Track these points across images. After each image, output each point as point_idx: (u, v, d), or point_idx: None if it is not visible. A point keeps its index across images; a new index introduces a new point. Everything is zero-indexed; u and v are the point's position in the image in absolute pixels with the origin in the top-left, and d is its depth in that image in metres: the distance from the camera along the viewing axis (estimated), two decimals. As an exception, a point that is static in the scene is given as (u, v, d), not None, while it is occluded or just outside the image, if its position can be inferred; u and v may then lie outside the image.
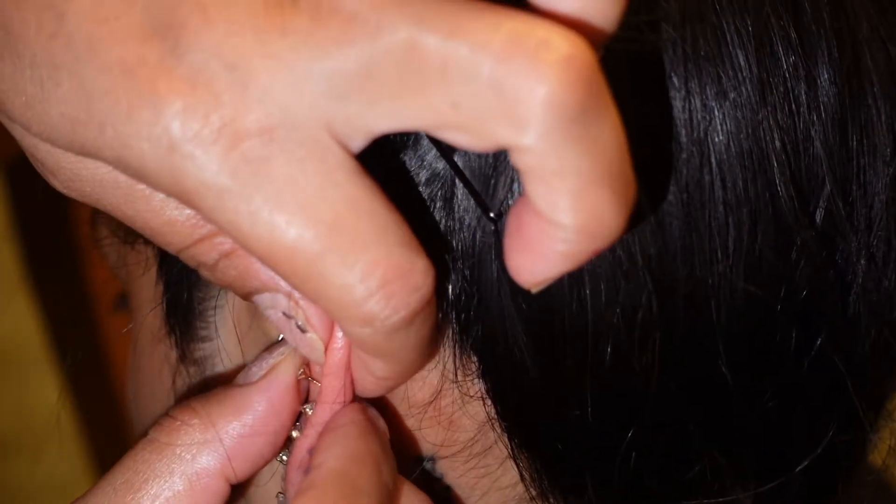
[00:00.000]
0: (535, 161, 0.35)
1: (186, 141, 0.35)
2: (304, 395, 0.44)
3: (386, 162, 0.42)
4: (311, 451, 0.43)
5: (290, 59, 0.35)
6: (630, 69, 0.41)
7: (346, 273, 0.36)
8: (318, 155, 0.36)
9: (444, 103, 0.35)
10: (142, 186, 0.39)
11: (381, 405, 0.45)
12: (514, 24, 0.34)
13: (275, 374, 0.43)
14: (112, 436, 1.51)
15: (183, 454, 0.42)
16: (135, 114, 0.36)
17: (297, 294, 0.40)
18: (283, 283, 0.40)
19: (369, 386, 0.41)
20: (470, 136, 0.35)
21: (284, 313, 0.42)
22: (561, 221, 0.35)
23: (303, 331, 0.42)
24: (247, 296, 0.41)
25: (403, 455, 0.46)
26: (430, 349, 0.40)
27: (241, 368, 0.45)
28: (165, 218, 0.40)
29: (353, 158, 0.36)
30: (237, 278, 0.41)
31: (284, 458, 0.44)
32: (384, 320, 0.37)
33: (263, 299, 0.42)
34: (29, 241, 1.48)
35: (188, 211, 0.39)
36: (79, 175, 0.39)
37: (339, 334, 0.42)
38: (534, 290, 0.37)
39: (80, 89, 0.36)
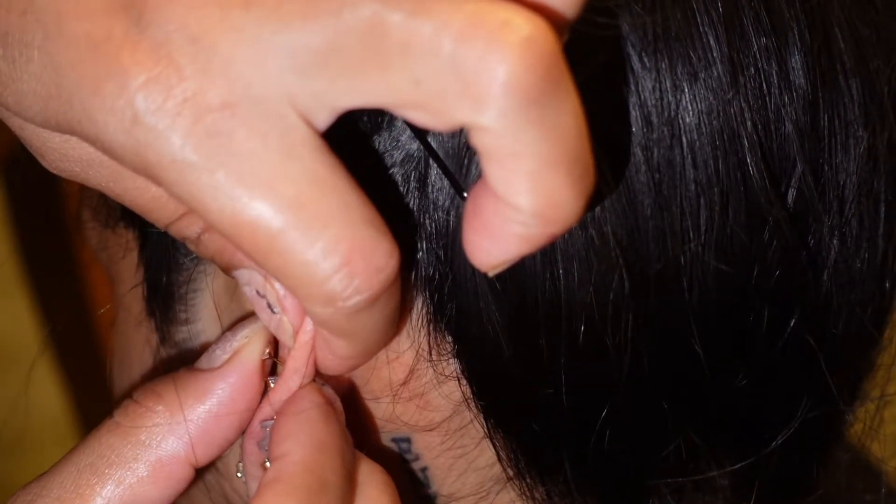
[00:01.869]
0: (493, 141, 0.35)
1: (149, 114, 0.35)
2: (269, 371, 0.44)
3: (359, 142, 0.43)
4: (266, 426, 0.43)
5: (254, 33, 0.35)
6: (596, 51, 0.41)
7: (308, 250, 0.36)
8: (280, 130, 0.36)
9: (406, 81, 0.35)
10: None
11: (349, 386, 0.45)
12: (476, 4, 0.34)
13: (239, 359, 0.43)
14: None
15: (147, 440, 0.42)
16: (100, 87, 0.36)
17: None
18: None
19: (331, 365, 0.41)
20: (430, 115, 0.35)
21: (258, 291, 0.42)
22: (517, 204, 0.35)
23: (273, 311, 0.42)
24: (227, 270, 0.42)
25: (377, 436, 0.46)
26: (392, 329, 0.40)
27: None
28: (150, 195, 0.40)
29: (318, 135, 0.36)
30: (217, 252, 0.41)
31: None
32: (346, 300, 0.37)
33: (241, 275, 0.42)
34: (27, 238, 1.49)
35: None
36: (66, 155, 0.40)
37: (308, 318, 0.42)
38: (490, 274, 0.37)
39: (50, 64, 0.37)
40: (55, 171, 0.41)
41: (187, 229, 0.41)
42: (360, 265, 0.36)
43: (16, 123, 0.40)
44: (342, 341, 0.39)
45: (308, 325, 0.42)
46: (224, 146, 0.35)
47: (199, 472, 0.43)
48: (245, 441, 0.44)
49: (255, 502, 0.40)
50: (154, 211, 0.41)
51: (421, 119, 0.35)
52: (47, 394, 1.56)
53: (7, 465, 1.65)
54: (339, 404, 0.43)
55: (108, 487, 0.42)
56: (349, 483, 0.41)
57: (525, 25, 0.34)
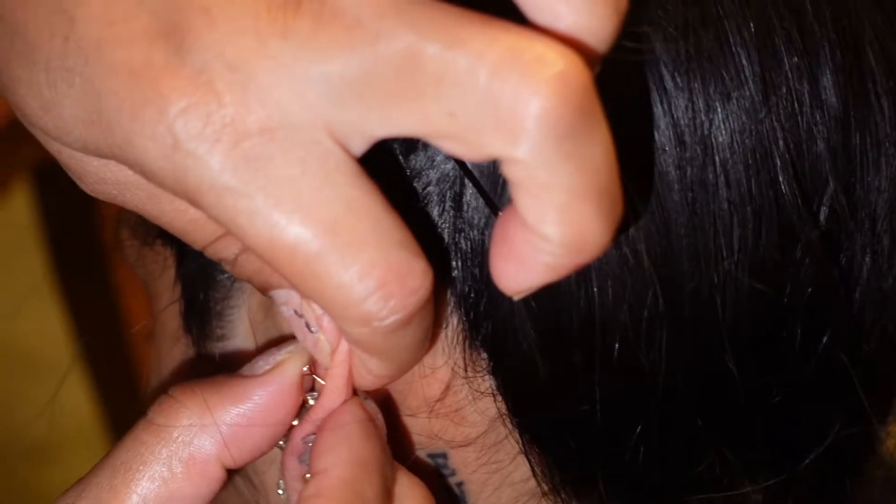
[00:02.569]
0: (525, 173, 0.35)
1: (189, 139, 0.36)
2: (308, 387, 0.44)
3: (394, 162, 0.43)
4: (307, 442, 0.43)
5: (291, 62, 0.36)
6: (628, 75, 0.41)
7: (344, 273, 0.37)
8: (317, 156, 0.36)
9: (441, 112, 0.35)
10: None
11: (387, 401, 0.46)
12: (511, 38, 0.35)
13: (279, 370, 0.44)
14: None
15: (180, 437, 0.43)
16: (139, 113, 0.36)
17: None
18: None
19: (365, 382, 0.42)
20: (463, 146, 0.36)
21: (296, 311, 0.43)
22: (546, 234, 0.36)
23: (311, 330, 0.43)
24: (264, 290, 0.42)
25: (414, 451, 0.47)
26: (425, 347, 0.41)
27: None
28: (188, 217, 0.41)
29: (354, 160, 0.37)
30: (255, 273, 0.42)
31: (282, 443, 0.45)
32: (382, 321, 0.37)
33: (279, 295, 0.42)
34: (57, 246, 1.50)
35: None
36: (103, 178, 0.40)
37: None
38: (515, 298, 0.38)
39: (90, 90, 0.37)
40: (92, 194, 0.41)
41: (224, 251, 0.42)
42: (395, 287, 0.37)
43: (54, 147, 0.40)
44: (377, 360, 0.40)
45: (345, 344, 0.42)
46: (262, 171, 0.36)
47: (232, 476, 0.44)
48: (286, 456, 0.44)
49: None
50: (191, 233, 0.41)
51: (454, 149, 0.36)
52: (78, 401, 1.57)
53: (38, 471, 1.67)
54: (380, 419, 0.44)
55: (143, 484, 0.42)
56: (388, 498, 0.42)
57: (559, 60, 0.35)
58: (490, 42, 0.35)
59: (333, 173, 0.36)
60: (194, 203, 0.37)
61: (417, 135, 0.36)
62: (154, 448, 0.43)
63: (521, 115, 0.34)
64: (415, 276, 0.37)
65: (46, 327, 1.60)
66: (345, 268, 0.37)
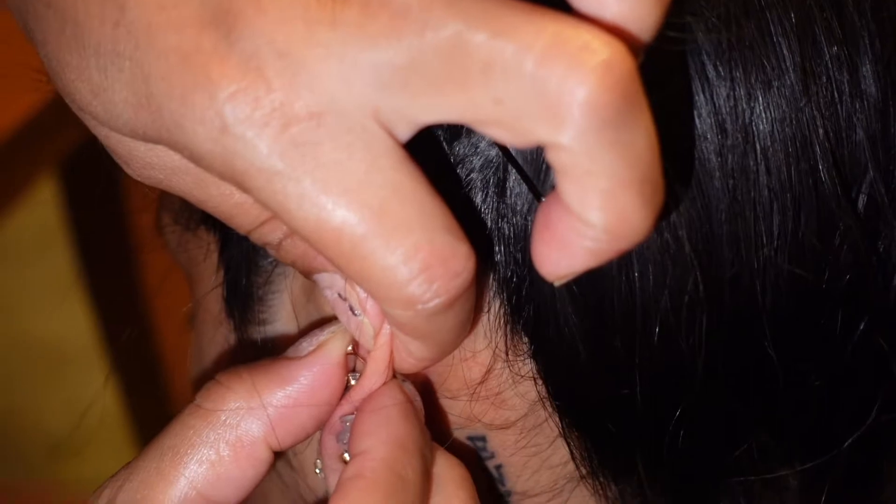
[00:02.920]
0: (570, 160, 0.36)
1: (238, 123, 0.37)
2: (350, 368, 0.45)
3: (439, 149, 0.44)
4: (346, 422, 0.44)
5: (340, 50, 0.36)
6: (670, 64, 0.42)
7: (389, 256, 0.37)
8: (364, 141, 0.37)
9: (487, 99, 0.36)
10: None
11: (426, 384, 0.46)
12: (557, 26, 0.35)
13: (323, 351, 0.44)
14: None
15: (228, 420, 0.43)
16: (189, 97, 0.37)
17: None
18: None
19: (407, 365, 0.43)
20: (509, 132, 0.36)
21: (340, 294, 0.43)
22: (589, 220, 0.36)
23: (355, 313, 0.43)
24: (308, 274, 0.43)
25: (452, 433, 0.47)
26: (466, 331, 0.42)
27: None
28: (234, 201, 0.41)
29: (400, 146, 0.38)
30: (299, 257, 0.42)
31: None
32: (425, 304, 0.38)
33: (323, 279, 0.43)
34: (84, 243, 1.51)
35: None
36: (150, 163, 0.41)
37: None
38: (556, 284, 0.39)
39: (140, 75, 0.38)
40: (139, 178, 0.42)
41: (269, 235, 0.43)
42: (439, 270, 0.38)
43: (102, 132, 0.41)
44: (419, 343, 0.41)
45: (387, 327, 0.43)
46: (310, 155, 0.37)
47: (277, 458, 0.44)
48: (324, 435, 0.45)
49: (337, 497, 0.41)
50: (236, 217, 0.42)
51: (500, 136, 0.37)
52: (104, 398, 1.58)
53: (64, 468, 1.67)
54: (419, 401, 0.44)
55: (191, 467, 0.43)
56: (427, 479, 0.43)
57: (604, 49, 0.35)
58: (537, 30, 0.35)
59: (380, 158, 0.37)
60: (242, 187, 0.38)
61: (463, 121, 0.37)
62: (202, 432, 0.43)
63: (567, 103, 0.35)
64: (458, 259, 0.38)
65: (73, 324, 1.61)
66: (390, 251, 0.37)
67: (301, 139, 0.37)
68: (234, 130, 0.37)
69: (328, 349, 0.44)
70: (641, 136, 0.36)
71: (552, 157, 0.36)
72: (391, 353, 0.43)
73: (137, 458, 0.44)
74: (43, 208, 1.51)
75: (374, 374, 0.44)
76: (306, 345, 0.45)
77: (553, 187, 0.38)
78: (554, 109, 0.35)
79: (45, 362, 1.73)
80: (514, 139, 0.37)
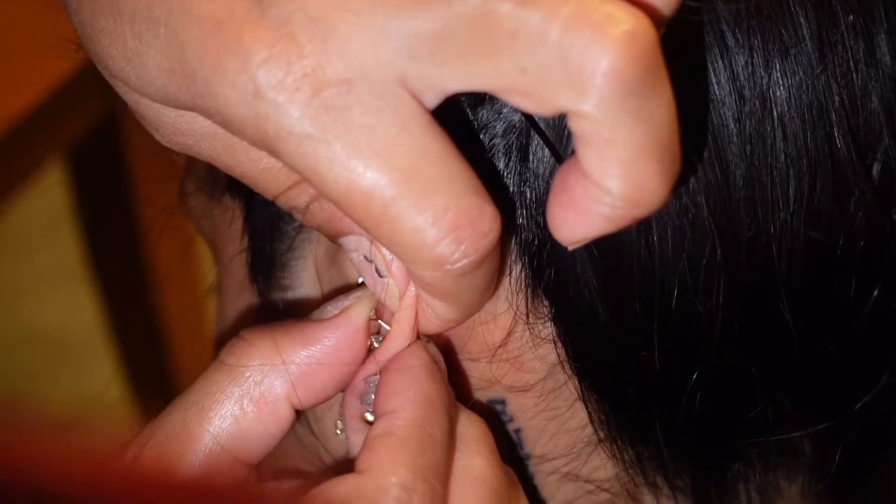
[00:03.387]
0: (591, 127, 0.37)
1: (270, 88, 0.38)
2: (374, 331, 0.46)
3: (464, 114, 0.45)
4: (369, 382, 0.45)
5: (370, 17, 0.37)
6: (688, 33, 0.43)
7: (418, 217, 0.38)
8: (393, 106, 0.38)
9: (513, 67, 0.37)
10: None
11: (447, 347, 0.47)
12: None
13: (347, 314, 0.45)
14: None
15: (251, 377, 0.44)
16: (222, 63, 0.38)
17: None
18: None
19: (431, 326, 0.43)
20: (533, 100, 0.37)
21: (366, 256, 0.44)
22: (608, 187, 0.37)
23: (381, 275, 0.44)
24: (334, 237, 0.44)
25: (472, 396, 0.48)
26: (490, 292, 0.43)
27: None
28: (262, 166, 0.42)
29: (427, 112, 0.39)
30: (326, 220, 0.43)
31: None
32: (454, 264, 0.39)
33: (349, 241, 0.44)
34: (89, 228, 1.51)
35: None
36: (179, 129, 0.42)
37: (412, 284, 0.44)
38: (570, 248, 0.40)
39: (174, 41, 0.39)
40: (168, 144, 0.43)
41: (296, 199, 0.43)
42: (467, 231, 0.39)
43: (133, 98, 0.42)
44: (445, 303, 0.42)
45: (412, 289, 0.44)
46: (340, 120, 0.38)
47: (298, 417, 0.45)
48: (346, 395, 0.46)
49: (366, 454, 0.42)
50: (264, 182, 0.43)
51: (524, 104, 0.38)
52: (108, 385, 1.59)
53: (67, 453, 1.68)
54: (442, 362, 0.45)
55: (215, 422, 0.44)
56: (453, 438, 0.44)
57: (628, 19, 0.36)
58: (562, 1, 0.36)
59: (409, 123, 0.38)
60: (273, 151, 0.39)
61: (489, 89, 0.38)
62: (226, 387, 0.44)
63: (591, 71, 0.36)
64: (485, 219, 0.39)
65: (79, 311, 1.62)
66: (419, 212, 0.38)
67: (332, 104, 0.38)
68: (266, 95, 0.38)
69: (353, 312, 0.45)
70: (662, 107, 0.37)
71: (574, 124, 0.37)
72: (416, 314, 0.44)
73: (163, 413, 0.45)
74: (50, 194, 1.52)
75: (399, 335, 0.44)
76: (331, 308, 0.46)
77: (573, 152, 0.39)
78: (578, 78, 0.36)
79: (51, 349, 1.73)
80: (538, 107, 0.38)
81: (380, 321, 0.46)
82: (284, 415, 0.44)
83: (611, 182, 0.37)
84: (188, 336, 1.48)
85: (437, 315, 0.43)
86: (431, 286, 0.41)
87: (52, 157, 1.41)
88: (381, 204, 0.38)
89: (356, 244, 0.44)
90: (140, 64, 0.40)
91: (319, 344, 0.45)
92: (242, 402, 0.44)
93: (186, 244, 1.14)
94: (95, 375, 1.64)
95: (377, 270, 0.44)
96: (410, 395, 0.43)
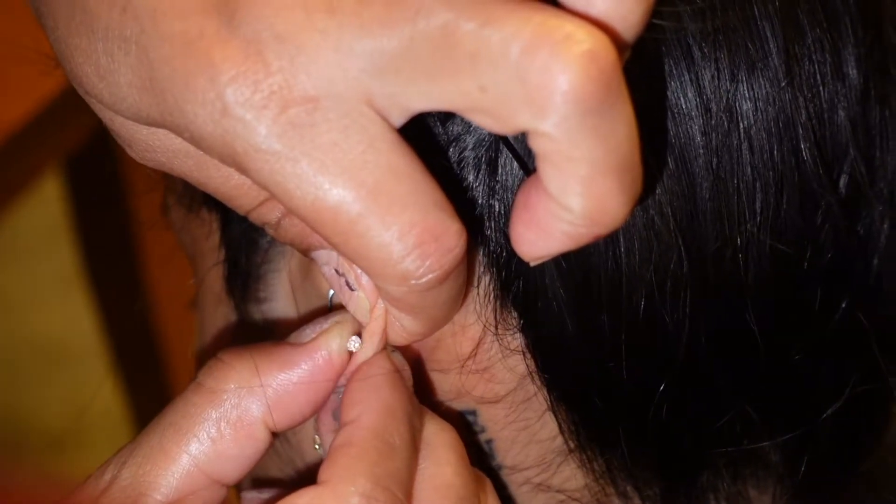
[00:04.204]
0: (551, 146, 0.37)
1: (238, 105, 0.38)
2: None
3: (433, 127, 0.45)
4: (339, 394, 0.45)
5: (336, 36, 0.38)
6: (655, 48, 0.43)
7: (385, 233, 0.39)
8: (360, 124, 0.38)
9: (473, 86, 0.37)
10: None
11: (416, 358, 0.48)
12: (543, 17, 0.37)
13: (324, 339, 0.46)
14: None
15: (229, 398, 0.44)
16: (191, 81, 0.38)
17: None
18: None
19: (399, 339, 0.44)
20: (493, 119, 0.38)
21: (336, 270, 0.45)
22: (569, 205, 0.38)
23: (351, 288, 0.45)
24: (305, 251, 0.44)
25: (442, 405, 0.48)
26: (457, 305, 0.43)
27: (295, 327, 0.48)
28: (233, 183, 0.43)
29: (394, 129, 0.39)
30: (297, 235, 0.44)
31: None
32: (419, 279, 0.39)
33: (320, 255, 0.44)
34: (87, 237, 1.52)
35: None
36: (152, 146, 0.42)
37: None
38: (532, 264, 0.40)
39: (145, 59, 0.39)
40: (141, 161, 0.44)
41: (267, 215, 0.44)
42: (432, 246, 0.39)
43: (107, 116, 0.42)
44: (411, 317, 0.42)
45: (381, 303, 0.44)
46: (307, 136, 0.38)
47: (275, 439, 0.46)
48: (321, 412, 0.46)
49: (327, 465, 0.43)
50: (236, 198, 0.43)
51: (485, 122, 0.38)
52: (103, 392, 1.59)
53: (63, 460, 1.68)
54: (407, 371, 0.45)
55: (193, 444, 0.44)
56: (415, 445, 0.44)
57: (588, 39, 0.37)
58: (523, 20, 0.37)
59: (375, 140, 0.39)
60: (241, 168, 0.39)
61: (451, 108, 0.38)
62: (203, 409, 0.44)
63: (550, 90, 0.36)
64: (450, 235, 0.39)
65: (76, 321, 1.62)
66: (385, 228, 0.39)
67: (298, 121, 0.38)
68: (234, 112, 0.38)
69: (330, 338, 0.46)
70: (622, 125, 0.38)
71: (534, 143, 0.38)
72: (385, 326, 0.44)
73: (140, 434, 0.45)
74: (48, 205, 1.52)
75: (369, 348, 0.45)
76: (309, 332, 0.46)
77: (535, 170, 0.39)
78: (537, 97, 0.37)
79: (49, 358, 1.74)
80: (499, 126, 0.38)
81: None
82: (261, 437, 0.45)
83: (571, 200, 0.38)
84: (184, 344, 1.49)
85: (404, 328, 0.43)
86: (398, 300, 0.41)
87: (50, 167, 1.41)
88: (348, 220, 0.39)
89: (327, 258, 0.45)
90: (112, 81, 0.41)
91: (297, 369, 0.45)
92: (220, 425, 0.44)
93: (182, 254, 1.15)
94: (92, 384, 1.64)
95: (348, 284, 0.45)
96: (371, 403, 0.43)
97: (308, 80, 0.38)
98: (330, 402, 0.46)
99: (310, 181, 0.38)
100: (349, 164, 0.38)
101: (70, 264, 1.54)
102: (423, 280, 0.40)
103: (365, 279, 0.44)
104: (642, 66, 0.43)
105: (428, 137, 0.45)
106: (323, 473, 0.42)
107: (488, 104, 0.37)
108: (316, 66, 0.38)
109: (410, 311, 0.42)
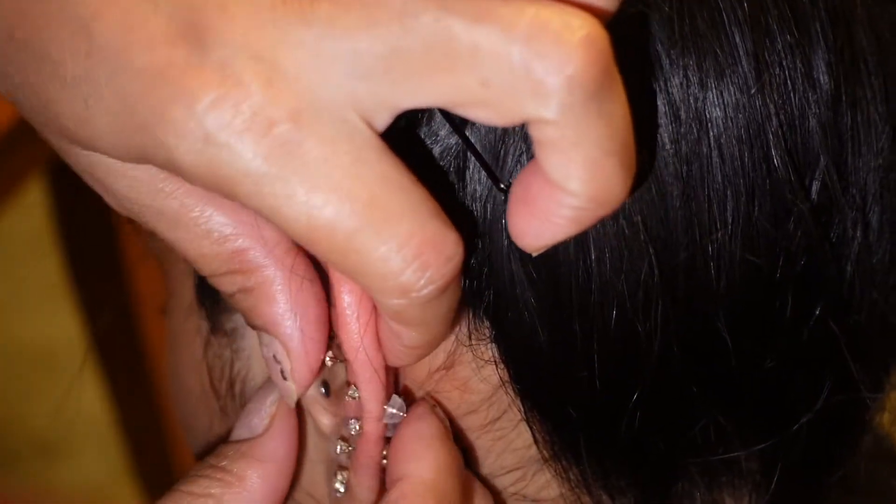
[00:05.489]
0: (556, 133, 0.37)
1: (220, 131, 0.37)
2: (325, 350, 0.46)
3: (401, 138, 0.45)
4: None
5: (314, 45, 0.37)
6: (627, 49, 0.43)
7: (383, 246, 0.38)
8: (346, 134, 0.38)
9: (474, 81, 0.37)
10: (184, 212, 0.42)
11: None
12: (535, 8, 0.37)
13: (280, 420, 0.47)
14: (151, 439, 1.54)
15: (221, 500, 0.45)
16: (168, 112, 0.38)
17: (287, 347, 0.44)
18: (283, 327, 0.43)
19: (400, 356, 0.44)
20: (495, 112, 0.38)
21: (275, 356, 0.45)
22: (574, 189, 0.38)
23: (284, 377, 0.45)
24: (253, 327, 0.45)
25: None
26: (455, 316, 0.43)
27: None
28: (199, 252, 0.43)
29: (379, 137, 0.39)
30: (246, 311, 0.44)
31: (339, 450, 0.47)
32: (420, 290, 0.39)
33: (263, 337, 0.45)
34: (71, 245, 1.51)
35: (221, 248, 0.43)
36: (127, 198, 0.42)
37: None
38: (534, 254, 0.40)
39: (119, 98, 0.39)
40: (118, 210, 0.44)
41: (225, 286, 0.44)
42: (432, 256, 0.39)
43: (84, 163, 0.42)
44: (413, 331, 0.42)
45: (363, 351, 0.44)
46: (295, 154, 0.38)
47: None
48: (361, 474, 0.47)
49: None
50: (198, 263, 0.44)
51: (484, 116, 0.38)
52: (90, 400, 1.59)
53: (50, 468, 1.68)
54: (447, 424, 0.46)
55: None
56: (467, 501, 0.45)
57: (584, 26, 0.37)
58: (517, 12, 0.37)
59: (363, 150, 0.38)
60: (229, 195, 0.39)
61: (445, 104, 0.38)
62: None
63: (555, 79, 0.37)
64: (448, 244, 0.39)
65: (60, 327, 1.62)
66: (383, 241, 0.38)
67: (284, 139, 0.38)
68: (216, 139, 0.38)
69: (282, 417, 0.47)
70: (619, 107, 0.38)
71: (536, 131, 0.38)
72: (383, 371, 0.45)
73: None
74: (31, 211, 1.52)
75: (372, 399, 0.45)
76: (257, 421, 0.47)
77: (526, 167, 0.39)
78: (541, 86, 0.37)
79: (34, 365, 1.73)
80: (500, 118, 0.38)
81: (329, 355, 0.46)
82: None
83: (577, 184, 0.38)
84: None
85: (405, 344, 0.43)
86: (399, 314, 0.41)
87: (33, 174, 1.41)
88: (344, 237, 0.38)
89: (269, 342, 0.45)
90: (91, 126, 0.40)
91: (273, 460, 0.46)
92: None
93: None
94: (78, 391, 1.64)
95: (282, 372, 0.45)
96: (426, 458, 0.45)
97: (290, 96, 0.38)
98: (374, 463, 0.46)
99: (301, 201, 0.38)
100: (340, 179, 0.38)
101: (55, 271, 1.54)
102: (425, 292, 0.39)
103: (297, 373, 0.44)
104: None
105: (399, 145, 0.45)
106: None
107: (490, 97, 0.37)
108: (296, 80, 0.38)
109: (411, 324, 0.41)
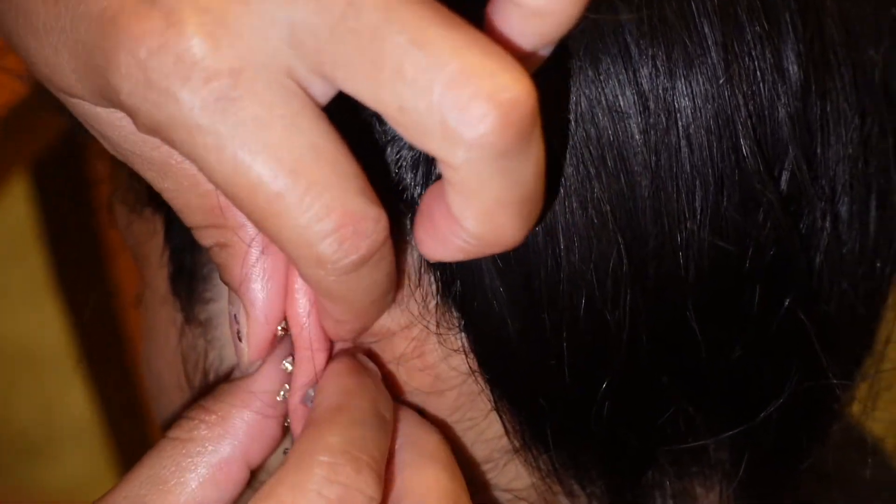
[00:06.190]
0: (458, 178, 0.38)
1: (161, 78, 0.38)
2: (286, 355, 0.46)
3: (371, 126, 0.45)
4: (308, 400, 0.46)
5: (259, 5, 0.38)
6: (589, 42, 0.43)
7: (302, 214, 0.38)
8: (282, 97, 0.38)
9: (393, 101, 0.37)
10: (172, 163, 0.42)
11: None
12: (473, 52, 0.37)
13: (269, 362, 0.46)
14: (135, 437, 1.53)
15: (205, 446, 0.45)
16: (114, 56, 0.38)
17: (247, 310, 0.45)
18: (247, 289, 0.44)
19: (332, 329, 0.44)
20: (407, 135, 0.38)
21: (235, 317, 0.45)
22: (468, 227, 0.39)
23: (239, 338, 0.45)
24: (225, 283, 0.45)
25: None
26: (386, 297, 0.43)
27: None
28: (185, 202, 0.43)
29: (318, 107, 0.39)
30: (220, 266, 0.45)
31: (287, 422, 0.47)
32: (335, 262, 0.39)
33: (230, 296, 0.45)
34: (56, 243, 1.51)
35: (205, 201, 0.43)
36: (121, 146, 0.43)
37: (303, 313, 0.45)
38: (432, 262, 0.41)
39: (81, 43, 0.40)
40: (114, 154, 0.44)
41: (205, 239, 0.44)
42: (349, 230, 0.39)
43: (80, 110, 0.43)
44: (336, 305, 0.42)
45: (304, 321, 0.45)
46: (230, 110, 0.38)
47: (254, 475, 0.46)
48: (291, 413, 0.46)
49: (297, 442, 0.43)
50: (184, 213, 0.44)
51: (399, 132, 0.38)
52: (75, 400, 1.59)
53: (35, 468, 1.68)
54: (372, 365, 0.46)
55: (173, 494, 0.44)
56: (386, 429, 0.44)
57: (513, 86, 0.37)
58: (451, 50, 0.37)
59: (298, 116, 0.38)
60: (166, 139, 0.39)
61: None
62: (181, 460, 0.45)
63: (466, 132, 0.37)
64: (369, 221, 0.39)
65: (45, 325, 1.62)
66: (303, 210, 0.39)
67: (221, 94, 0.38)
68: (157, 84, 0.38)
69: (273, 360, 0.46)
70: (530, 165, 0.38)
71: (442, 169, 0.38)
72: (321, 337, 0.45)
73: (114, 488, 0.45)
74: (14, 208, 1.52)
75: (304, 360, 0.46)
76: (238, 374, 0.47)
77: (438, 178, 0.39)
78: (452, 133, 0.37)
79: (17, 364, 1.73)
80: (410, 141, 0.38)
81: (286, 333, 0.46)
82: (240, 477, 0.45)
83: (470, 223, 0.39)
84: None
85: (332, 317, 0.43)
86: (317, 285, 0.41)
87: (16, 171, 1.41)
88: (266, 199, 0.39)
89: (234, 300, 0.45)
90: (60, 72, 0.41)
91: (256, 399, 0.46)
92: (199, 472, 0.45)
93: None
94: (63, 391, 1.64)
95: (238, 334, 0.45)
96: (330, 388, 0.44)
97: (231, 51, 0.38)
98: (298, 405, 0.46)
99: (230, 156, 0.38)
100: (271, 142, 0.38)
101: (39, 269, 1.53)
102: (340, 265, 0.39)
103: (252, 336, 0.45)
104: (580, 63, 0.43)
105: (366, 135, 0.45)
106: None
107: (403, 122, 0.37)
108: (238, 37, 0.38)
109: (331, 297, 0.42)
